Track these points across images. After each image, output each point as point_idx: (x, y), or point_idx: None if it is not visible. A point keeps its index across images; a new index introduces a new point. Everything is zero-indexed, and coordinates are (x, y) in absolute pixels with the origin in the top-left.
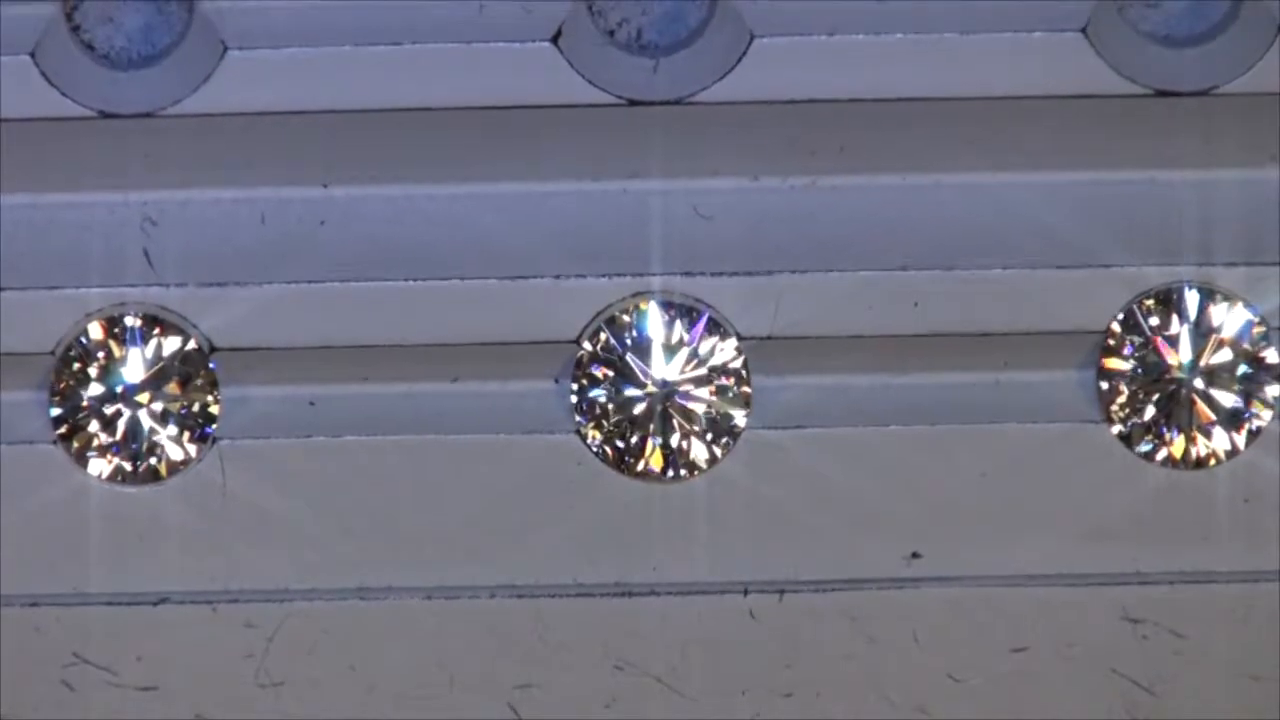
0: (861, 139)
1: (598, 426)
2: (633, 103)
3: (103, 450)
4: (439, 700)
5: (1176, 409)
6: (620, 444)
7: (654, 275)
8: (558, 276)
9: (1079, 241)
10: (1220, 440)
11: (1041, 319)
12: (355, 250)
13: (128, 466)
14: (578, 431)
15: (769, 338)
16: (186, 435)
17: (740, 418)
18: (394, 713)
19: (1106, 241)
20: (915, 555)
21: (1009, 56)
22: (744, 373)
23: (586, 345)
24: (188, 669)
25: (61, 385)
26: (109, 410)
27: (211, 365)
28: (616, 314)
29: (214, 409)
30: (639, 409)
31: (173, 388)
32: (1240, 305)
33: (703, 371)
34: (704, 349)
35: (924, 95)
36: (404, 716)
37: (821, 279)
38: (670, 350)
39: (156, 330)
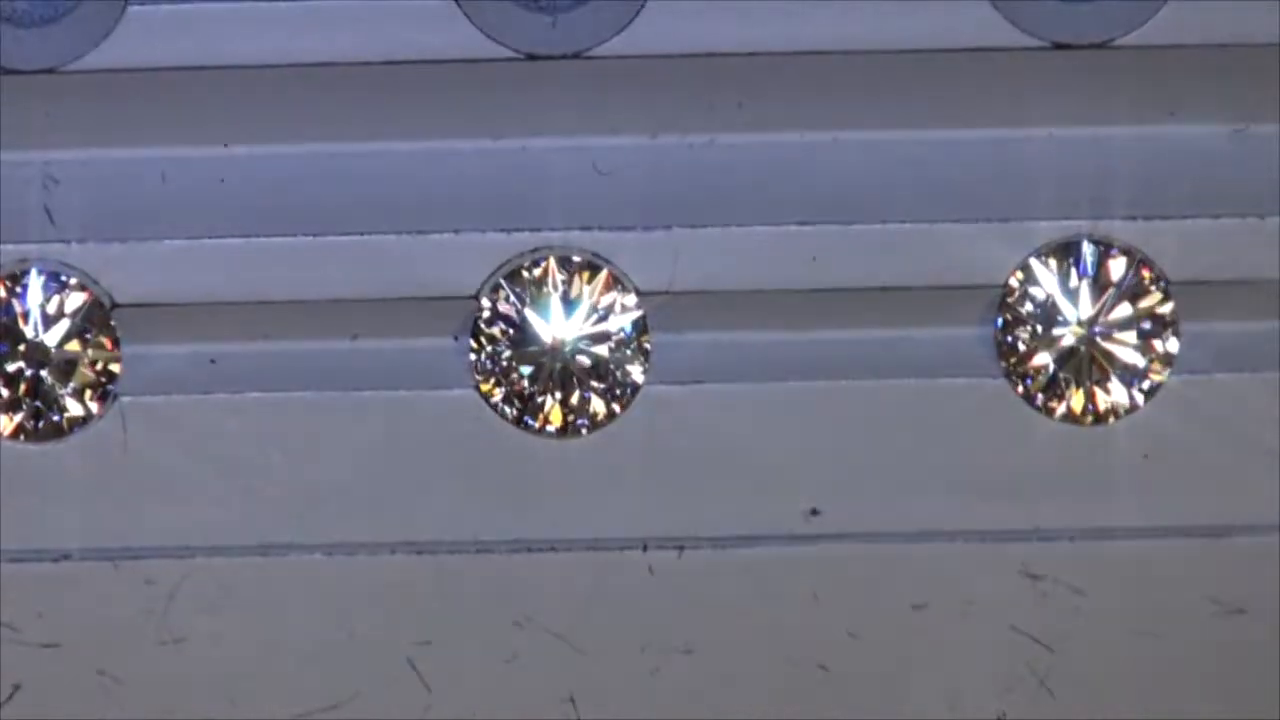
0: (760, 95)
1: (497, 383)
2: (531, 57)
3: (4, 407)
4: (339, 656)
5: (1075, 364)
6: (519, 400)
7: (553, 231)
8: (456, 232)
9: (976, 196)
10: (1119, 395)
11: (940, 274)
12: (255, 207)
13: (29, 423)
14: (477, 388)
15: (668, 293)
16: (88, 392)
17: (638, 373)
18: (294, 669)
19: (1004, 196)
20: (814, 512)
21: (907, 10)
22: (642, 328)
23: (485, 301)
24: (89, 626)
25: None
26: (11, 367)
27: (113, 322)
28: (515, 269)
29: (115, 366)
30: (538, 365)
31: (74, 345)
32: (1138, 259)
33: (601, 327)
34: (603, 304)
35: (822, 49)
36: (304, 672)
37: (720, 234)
38: (569, 306)
39: (58, 287)
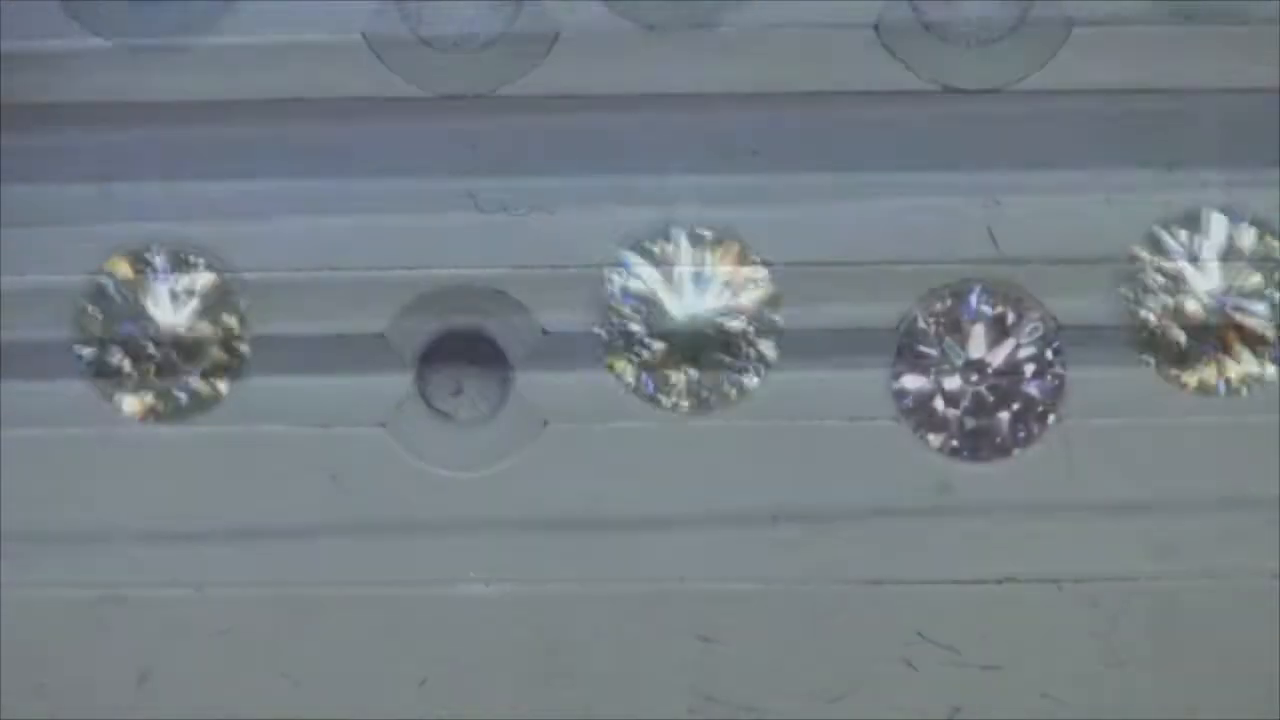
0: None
1: (627, 360)
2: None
3: (133, 388)
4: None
5: (1205, 335)
6: (650, 377)
7: (682, 205)
8: (584, 207)
9: (1101, 167)
10: (1251, 366)
11: (1065, 246)
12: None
13: (158, 404)
14: (607, 365)
15: (798, 266)
16: (217, 372)
17: (770, 349)
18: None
19: (1129, 167)
20: (946, 485)
21: None
22: (774, 302)
23: (614, 277)
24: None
25: (90, 322)
26: (138, 348)
27: (240, 301)
28: (644, 245)
29: (244, 346)
30: (668, 341)
31: (202, 325)
32: (1267, 230)
33: (732, 302)
34: (733, 279)
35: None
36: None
37: (850, 207)
38: (699, 281)
39: (184, 266)
